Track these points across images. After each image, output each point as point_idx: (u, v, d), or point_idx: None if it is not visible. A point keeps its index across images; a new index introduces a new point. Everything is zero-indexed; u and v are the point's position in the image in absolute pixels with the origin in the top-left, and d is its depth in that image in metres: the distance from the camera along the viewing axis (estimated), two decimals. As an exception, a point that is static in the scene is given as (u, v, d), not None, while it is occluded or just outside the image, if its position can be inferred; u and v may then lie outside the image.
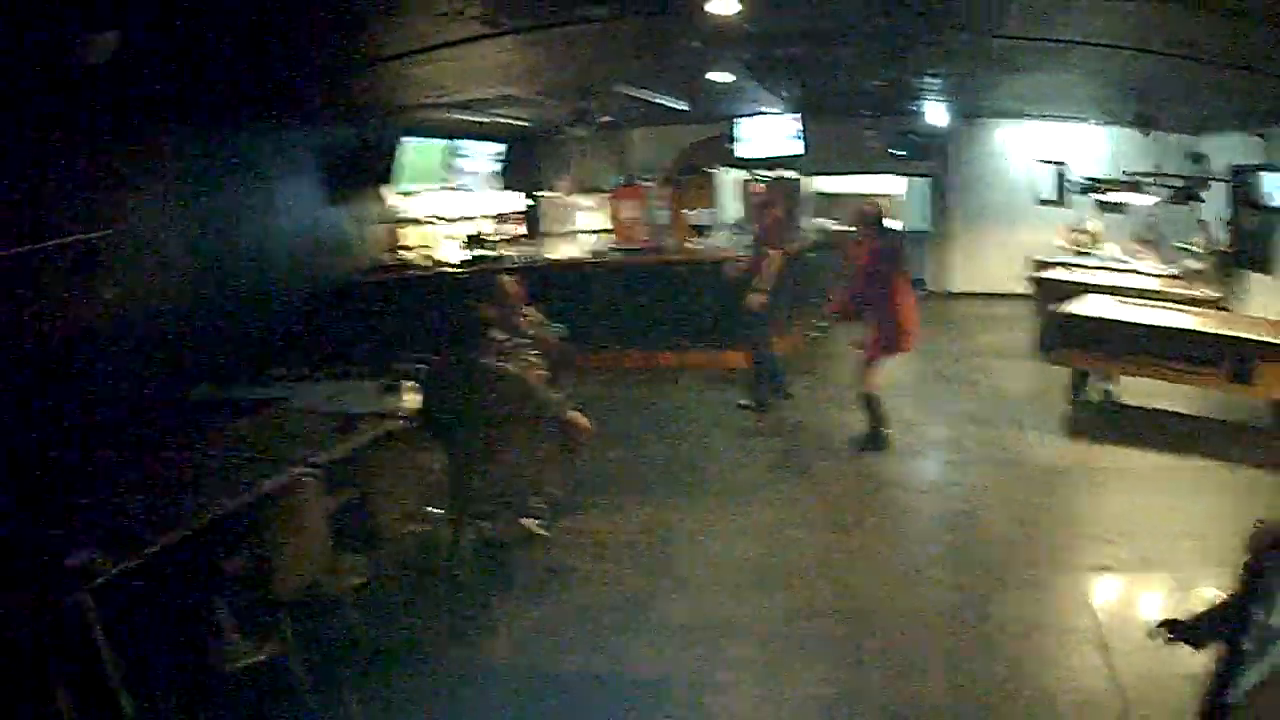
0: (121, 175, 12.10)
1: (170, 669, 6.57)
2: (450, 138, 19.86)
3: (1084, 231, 22.79)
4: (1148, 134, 18.14)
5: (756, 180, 14.60)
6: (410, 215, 19.71)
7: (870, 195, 25.78)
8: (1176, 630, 4.38)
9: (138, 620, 6.04)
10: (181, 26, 9.02)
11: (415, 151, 18.64)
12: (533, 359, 9.97)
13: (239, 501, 6.60)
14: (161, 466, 7.46)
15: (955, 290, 23.92)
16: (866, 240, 12.04)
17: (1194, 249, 20.52)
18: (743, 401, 14.54)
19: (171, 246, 13.04)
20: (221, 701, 6.74)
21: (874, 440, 12.22)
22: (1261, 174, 17.82)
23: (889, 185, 28.06)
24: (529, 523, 9.54)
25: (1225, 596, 4.11)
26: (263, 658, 6.88)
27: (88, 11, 7.89)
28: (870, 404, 12.21)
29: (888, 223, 12.17)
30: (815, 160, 24.37)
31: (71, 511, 6.61)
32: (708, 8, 10.36)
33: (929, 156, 25.36)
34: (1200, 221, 20.27)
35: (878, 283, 11.88)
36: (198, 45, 9.88)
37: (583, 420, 10.05)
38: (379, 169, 18.10)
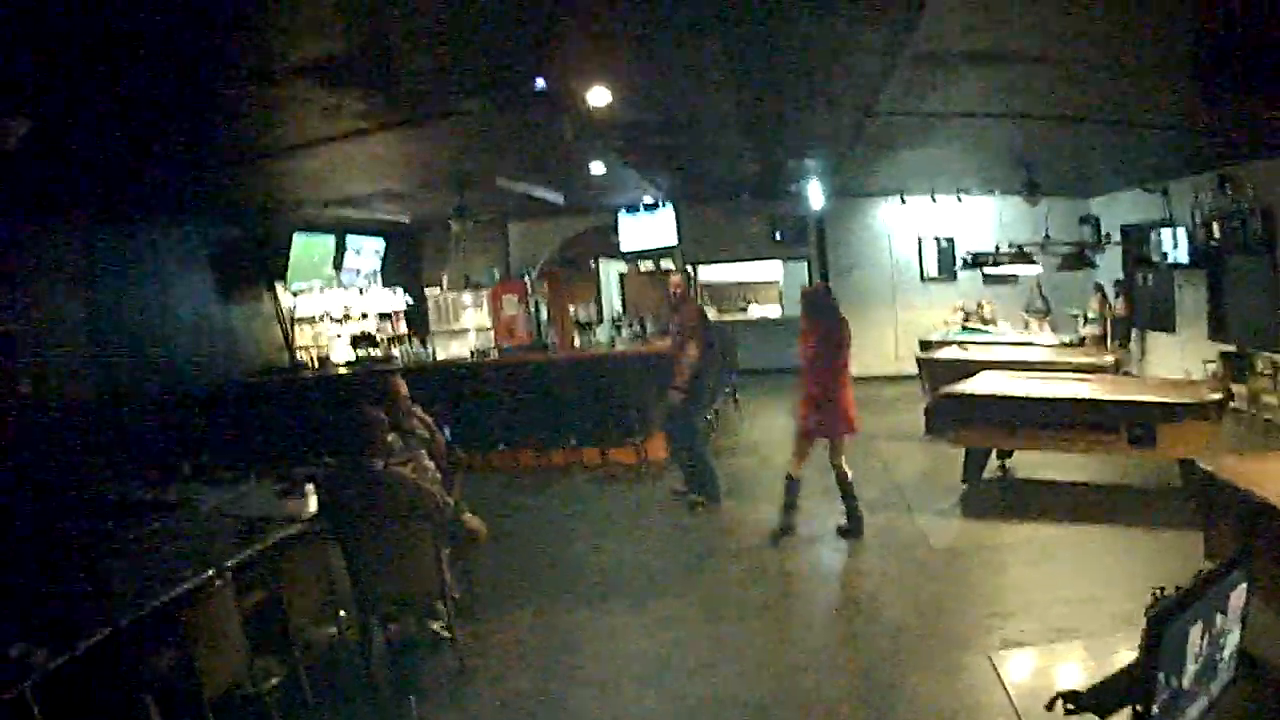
0: (25, 266, 12.10)
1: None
2: (336, 233, 19.80)
3: (973, 311, 22.96)
4: (1036, 202, 18.35)
5: (672, 272, 14.50)
6: (300, 314, 19.65)
7: (752, 282, 26.13)
8: (1079, 701, 4.38)
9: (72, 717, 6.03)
10: (74, 118, 9.06)
11: (305, 248, 18.67)
12: (424, 461, 10.01)
13: (162, 600, 6.58)
14: (85, 564, 7.43)
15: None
16: (814, 323, 11.96)
17: (1088, 315, 20.79)
18: (694, 497, 14.26)
19: (75, 341, 13.08)
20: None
21: (785, 526, 12.22)
22: (1156, 231, 18.13)
23: (767, 271, 28.28)
24: (434, 624, 9.48)
25: (1128, 664, 4.19)
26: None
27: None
28: (791, 488, 12.25)
29: (832, 303, 12.10)
30: (692, 249, 24.54)
31: None
32: (583, 99, 10.51)
33: (806, 240, 25.58)
34: (1096, 285, 20.55)
35: (830, 364, 11.87)
36: (92, 135, 9.92)
37: (477, 522, 10.12)
38: (272, 266, 18.18)
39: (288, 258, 18.41)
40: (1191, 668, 4.03)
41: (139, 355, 14.65)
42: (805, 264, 26.33)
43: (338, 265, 20.34)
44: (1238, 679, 4.56)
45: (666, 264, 26.05)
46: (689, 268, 25.39)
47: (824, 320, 11.87)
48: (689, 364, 13.69)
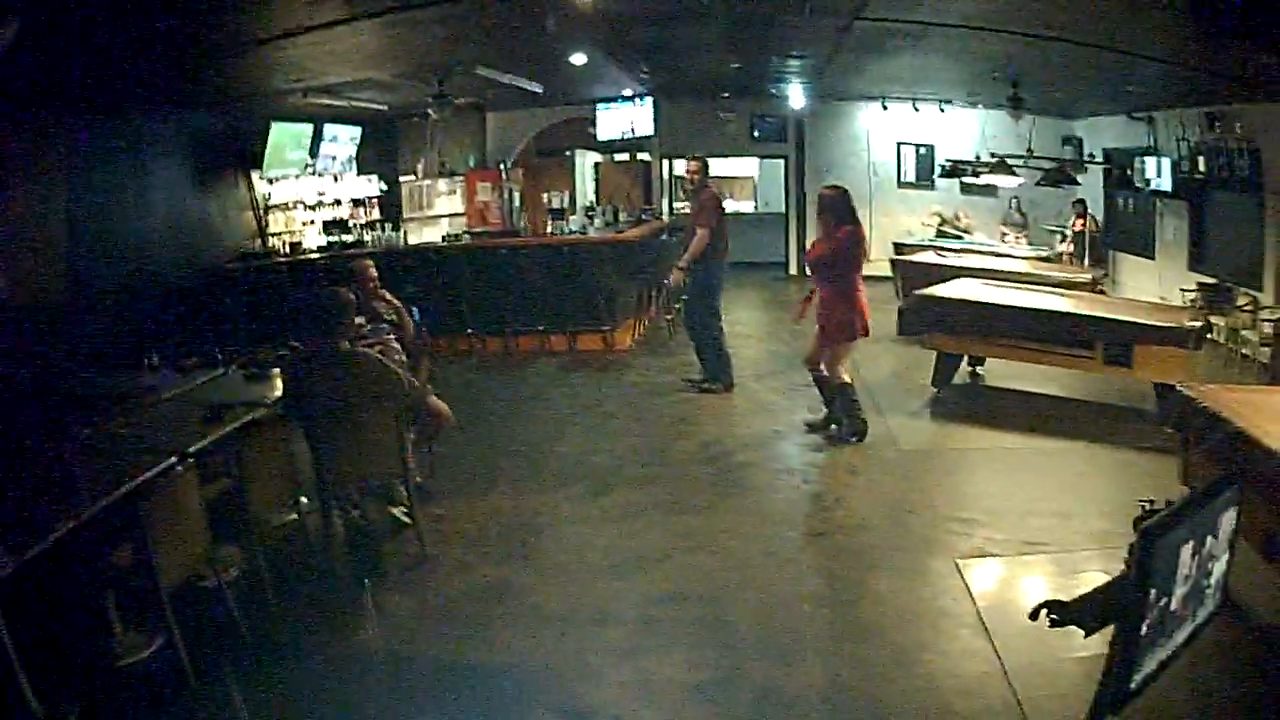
0: (6, 163, 11.96)
1: (66, 664, 6.48)
2: (314, 121, 19.62)
3: (950, 218, 22.95)
4: (1018, 118, 18.24)
5: (690, 157, 14.33)
6: (274, 201, 19.53)
7: (728, 177, 26.11)
8: (1061, 614, 4.23)
9: (35, 615, 5.94)
10: (57, 15, 8.91)
11: (281, 136, 18.54)
12: (392, 344, 9.91)
13: (121, 492, 6.43)
14: (45, 459, 7.31)
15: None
16: (840, 226, 11.62)
17: (1065, 231, 20.74)
18: (707, 384, 14.38)
19: (53, 235, 12.94)
20: (115, 692, 6.68)
21: (859, 430, 11.89)
22: (1139, 157, 18.05)
23: (743, 167, 28.23)
24: (395, 510, 9.45)
25: (1111, 578, 4.08)
26: (150, 652, 6.84)
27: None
28: (847, 391, 11.92)
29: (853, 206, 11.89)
30: (669, 143, 24.41)
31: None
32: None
33: (785, 139, 25.49)
34: (1077, 202, 20.49)
35: (850, 267, 11.66)
36: (77, 32, 9.76)
37: (443, 407, 10.08)
38: (248, 154, 18.05)
39: (264, 146, 18.27)
40: (1180, 590, 3.93)
41: (114, 247, 14.51)
42: (782, 162, 26.40)
43: (313, 153, 20.16)
44: (1221, 610, 4.47)
45: (643, 155, 26.08)
46: (664, 160, 25.49)
47: (849, 223, 11.65)
48: (696, 246, 13.63)
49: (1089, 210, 20.75)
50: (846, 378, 11.93)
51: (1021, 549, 8.56)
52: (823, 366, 11.97)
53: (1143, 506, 4.44)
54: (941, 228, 22.96)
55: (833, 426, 12.08)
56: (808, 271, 12.79)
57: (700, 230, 13.66)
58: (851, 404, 11.90)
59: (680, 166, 26.05)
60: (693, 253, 13.64)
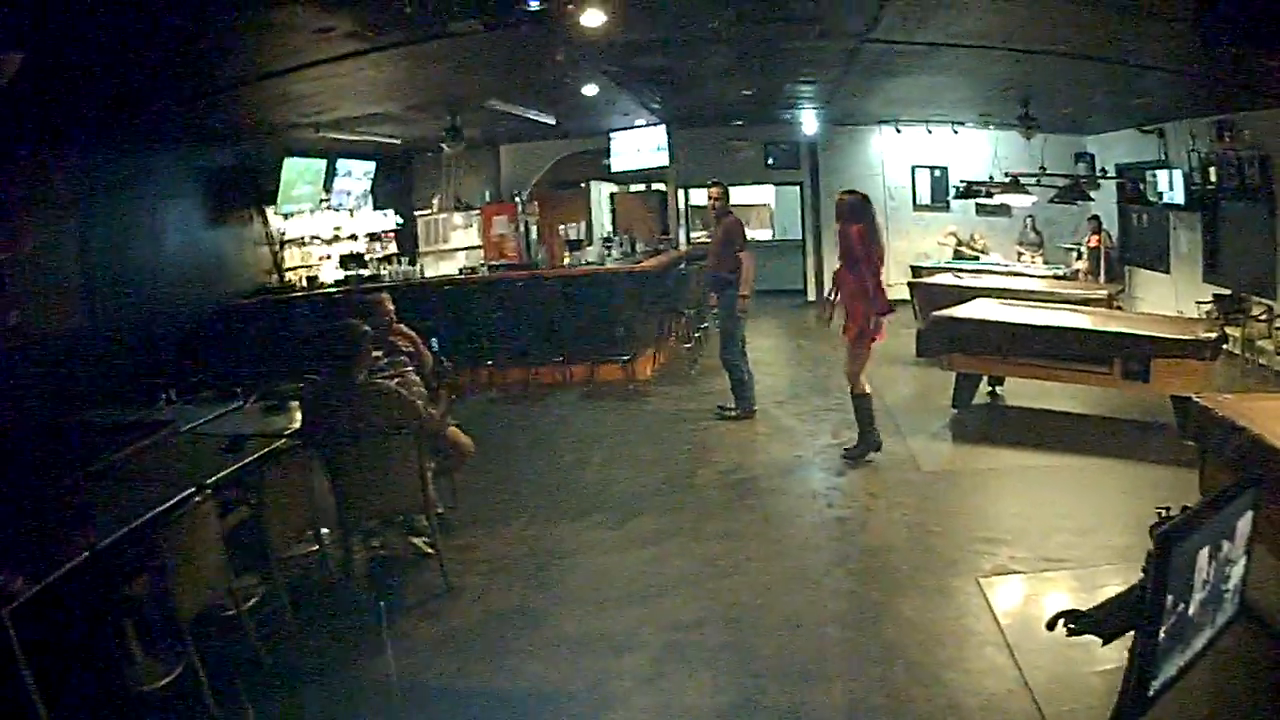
0: (17, 197, 12.01)
1: (84, 691, 6.49)
2: (327, 157, 19.63)
3: (966, 240, 22.97)
4: (1030, 137, 18.24)
5: (711, 184, 14.39)
6: (290, 236, 19.49)
7: (745, 204, 26.06)
8: (1079, 622, 4.21)
9: (51, 643, 5.96)
10: (69, 50, 8.95)
11: (295, 171, 18.52)
12: (410, 376, 9.91)
13: (139, 523, 6.45)
14: (63, 490, 7.32)
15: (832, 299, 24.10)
16: (859, 228, 11.62)
17: (1081, 249, 20.72)
18: (730, 410, 14.40)
19: (65, 270, 13.00)
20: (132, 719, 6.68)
21: (876, 443, 12.01)
22: (1151, 171, 18.04)
23: (759, 195, 28.24)
24: (417, 540, 9.49)
25: (1133, 585, 4.06)
26: (170, 679, 6.84)
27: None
28: (864, 403, 11.95)
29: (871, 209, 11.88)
30: (684, 172, 24.48)
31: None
32: (576, 20, 10.38)
33: (799, 165, 25.52)
34: (1093, 218, 20.46)
35: (871, 269, 11.64)
36: (85, 66, 9.80)
37: (463, 437, 10.11)
38: (261, 190, 18.04)
39: (278, 181, 18.23)
40: (1198, 595, 3.92)
41: (129, 281, 14.50)
42: (798, 189, 26.38)
43: (328, 188, 20.14)
44: (1240, 616, 4.46)
45: (658, 185, 26.05)
46: (680, 190, 25.49)
47: (868, 225, 11.66)
48: (749, 271, 13.80)
49: (1104, 226, 20.70)
50: (867, 389, 11.95)
51: (1043, 566, 8.54)
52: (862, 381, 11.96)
53: (1159, 513, 4.42)
54: (958, 248, 22.98)
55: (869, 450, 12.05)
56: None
57: (745, 257, 13.83)
58: (868, 417, 11.93)
59: (696, 196, 26.13)
60: (747, 279, 13.78)
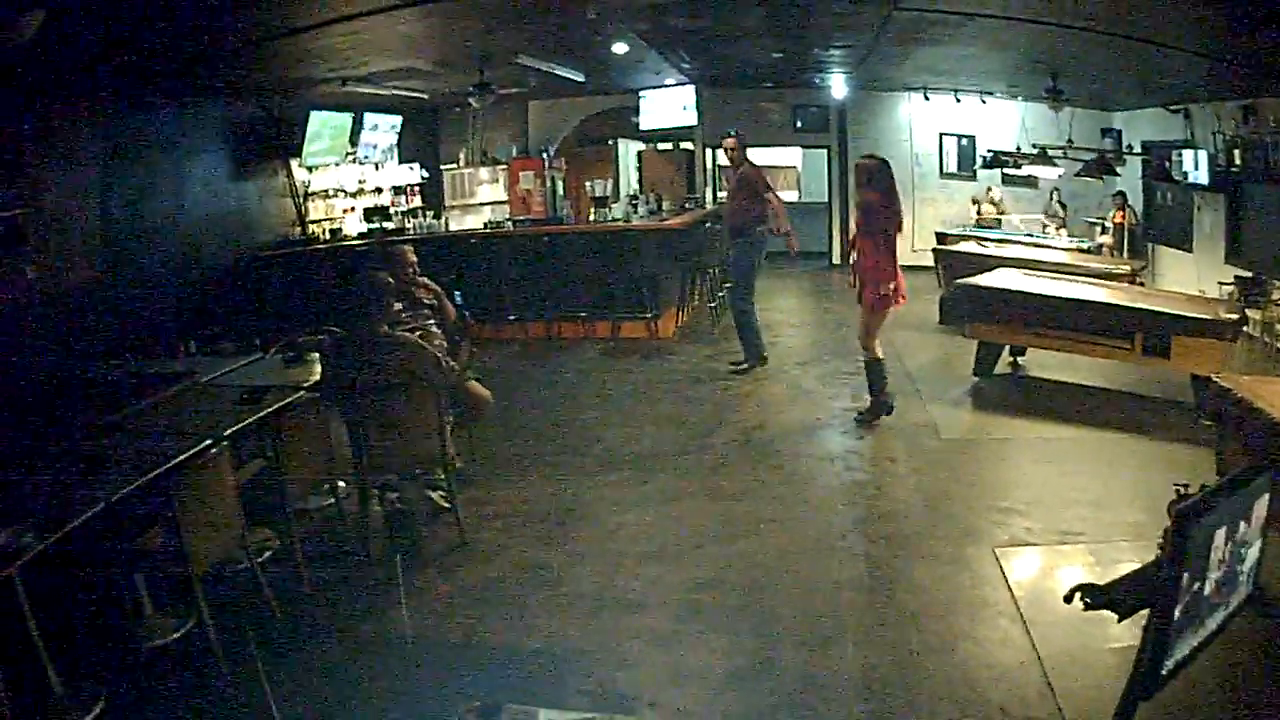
0: (38, 152, 12.01)
1: (95, 644, 6.52)
2: (354, 111, 19.63)
3: (988, 202, 22.92)
4: (1058, 110, 18.18)
5: (725, 134, 14.40)
6: (314, 189, 19.51)
7: (772, 166, 25.99)
8: (1095, 596, 4.21)
9: (62, 597, 5.98)
10: (91, 5, 8.94)
11: (322, 125, 18.54)
12: (431, 328, 9.94)
13: (153, 476, 6.43)
14: (76, 443, 7.33)
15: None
16: (871, 194, 11.68)
17: (1106, 223, 20.65)
18: (742, 363, 14.59)
19: (86, 223, 12.98)
20: (143, 675, 6.68)
21: (887, 407, 12.05)
22: (1177, 150, 17.94)
23: (787, 156, 28.17)
24: (434, 494, 9.50)
25: (1149, 562, 4.05)
26: (180, 634, 6.87)
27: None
28: (877, 368, 11.99)
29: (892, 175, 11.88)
30: (712, 132, 24.36)
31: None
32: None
33: (827, 129, 25.49)
34: (1118, 194, 20.38)
35: (890, 235, 11.69)
36: (108, 22, 9.79)
37: (483, 391, 10.13)
38: (287, 143, 18.04)
39: (304, 135, 18.24)
40: (1214, 574, 3.91)
41: (150, 234, 14.56)
42: (825, 152, 26.34)
43: (354, 141, 20.16)
44: (1253, 598, 4.45)
45: (686, 145, 26.10)
46: (706, 150, 25.55)
47: (887, 192, 11.67)
48: (782, 217, 14.10)
49: (1129, 203, 20.63)
50: (878, 352, 11.97)
51: (1059, 539, 8.52)
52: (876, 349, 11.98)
53: (1177, 491, 4.41)
54: (982, 216, 22.95)
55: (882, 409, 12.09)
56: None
57: (773, 198, 13.99)
58: (880, 381, 11.97)
59: (723, 156, 26.16)
60: (782, 223, 14.02)
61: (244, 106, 17.17)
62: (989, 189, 23.34)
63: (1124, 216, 20.34)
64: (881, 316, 11.89)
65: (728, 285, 14.96)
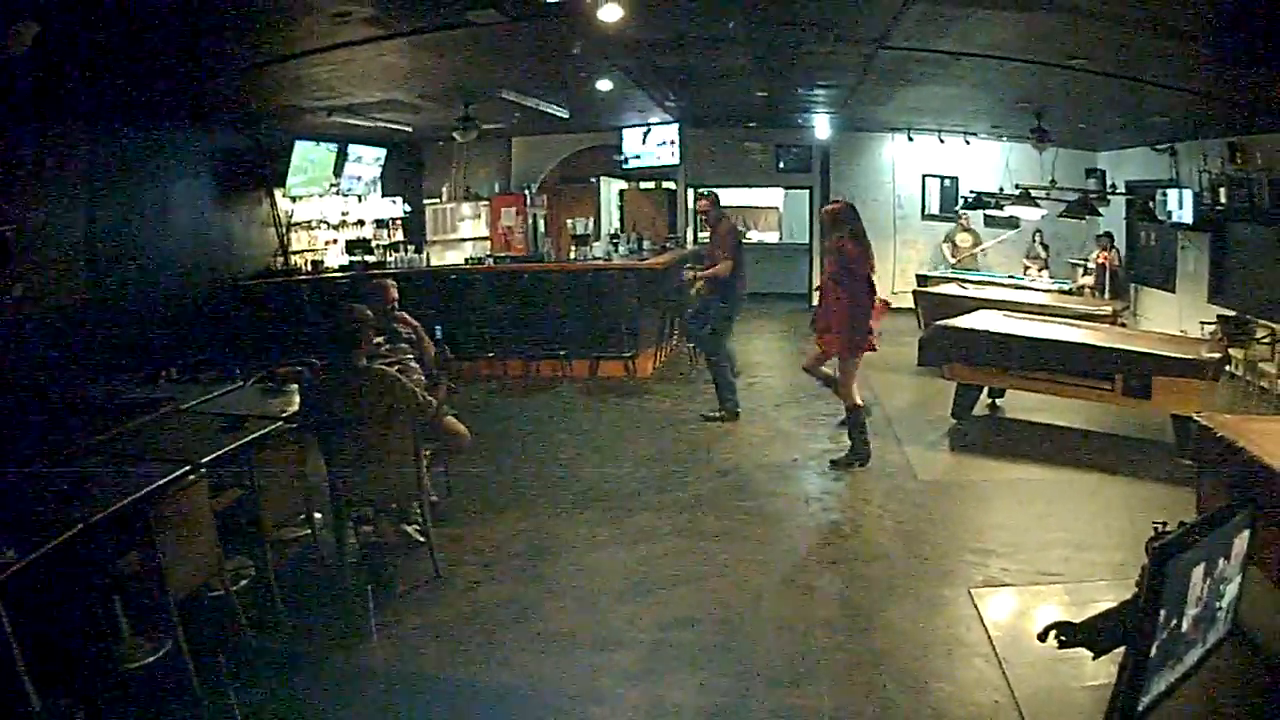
0: (26, 171, 12.07)
1: (71, 666, 6.49)
2: (339, 142, 19.67)
3: (963, 230, 23.01)
4: (1042, 150, 18.24)
5: (700, 195, 14.45)
6: (297, 219, 19.59)
7: (754, 206, 26.13)
8: (1069, 634, 4.20)
9: (41, 617, 5.96)
10: (83, 24, 8.95)
11: (306, 155, 18.59)
12: (410, 363, 9.95)
13: (132, 499, 6.45)
14: (59, 464, 7.31)
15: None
16: (842, 240, 11.73)
17: (1088, 264, 20.72)
18: (713, 414, 14.39)
19: (72, 244, 13.11)
20: (120, 696, 6.67)
21: (863, 454, 11.94)
22: (1161, 190, 18.00)
23: (769, 197, 28.25)
24: (409, 528, 9.46)
25: (1126, 599, 4.04)
26: (156, 658, 6.86)
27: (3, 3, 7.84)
28: (856, 415, 11.93)
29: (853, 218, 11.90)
30: (695, 171, 24.47)
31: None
32: (595, 15, 10.36)
33: (810, 169, 25.50)
34: (1104, 235, 20.45)
35: (862, 281, 11.69)
36: (98, 45, 9.81)
37: (460, 427, 10.09)
38: (271, 173, 18.10)
39: (288, 165, 18.31)
40: (1192, 611, 3.90)
41: (135, 259, 14.61)
42: (807, 193, 26.36)
43: (338, 173, 20.23)
44: (1233, 635, 4.43)
45: (668, 184, 26.14)
46: (689, 189, 25.41)
47: (858, 235, 11.75)
48: (721, 269, 13.78)
49: (1114, 244, 20.67)
50: (858, 400, 11.94)
51: (1036, 579, 8.53)
52: (824, 370, 12.17)
53: (1155, 528, 4.40)
54: (959, 255, 23.02)
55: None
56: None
57: (726, 260, 13.76)
58: (859, 429, 11.92)
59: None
60: (716, 271, 13.77)
61: (229, 135, 17.23)
62: (964, 216, 23.35)
63: (1108, 257, 20.35)
64: (857, 363, 11.90)
65: (695, 336, 14.89)
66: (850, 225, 11.77)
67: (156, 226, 15.25)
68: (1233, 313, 16.23)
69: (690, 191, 25.51)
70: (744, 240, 14.55)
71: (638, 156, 24.17)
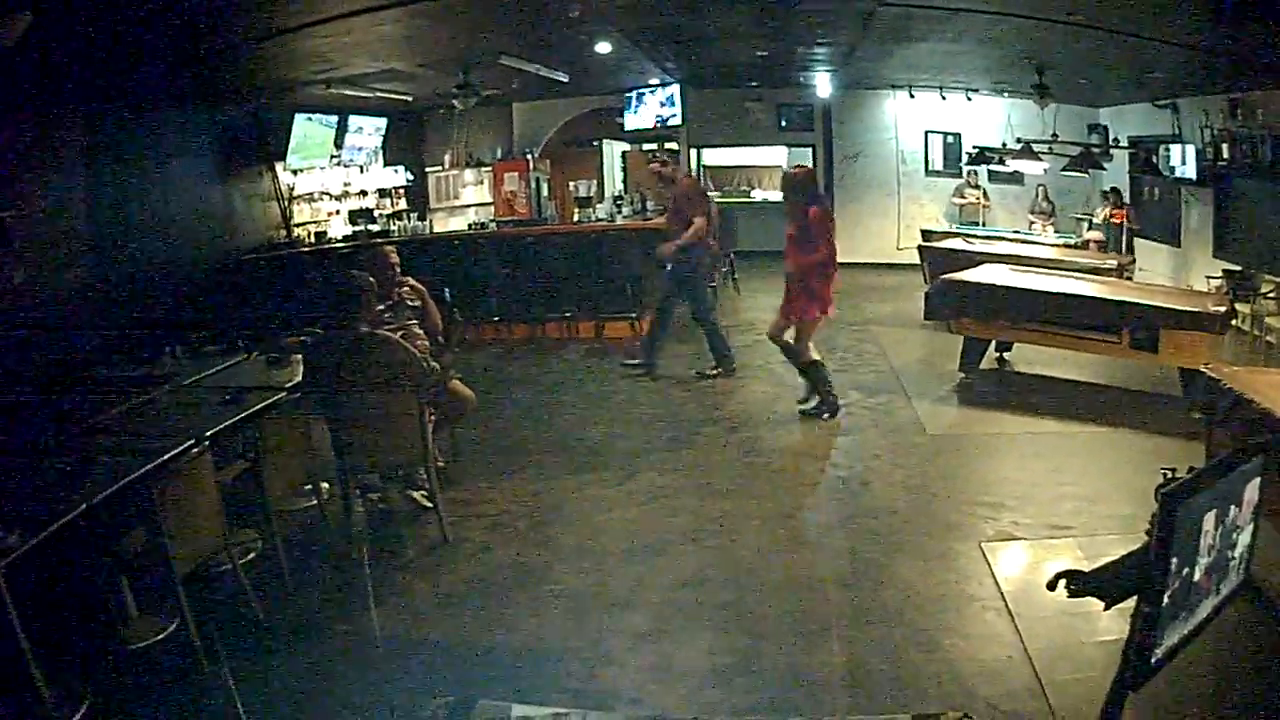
0: (25, 155, 12.02)
1: (78, 646, 6.48)
2: (339, 114, 19.65)
3: (972, 194, 22.93)
4: (1044, 106, 18.15)
5: (654, 156, 14.41)
6: (300, 191, 19.55)
7: (756, 165, 26.08)
8: (1080, 582, 4.12)
9: (47, 598, 5.93)
10: (77, 8, 8.91)
11: (306, 128, 18.57)
12: (415, 329, 9.88)
13: (135, 476, 6.39)
14: (62, 444, 7.28)
15: (841, 260, 23.85)
16: (800, 205, 11.72)
17: (1094, 219, 20.63)
18: (629, 361, 14.62)
19: (72, 226, 13.06)
20: (128, 676, 6.65)
21: (831, 407, 12.08)
22: (1164, 145, 17.94)
23: (771, 156, 28.14)
24: (416, 494, 9.47)
25: (1137, 548, 3.98)
26: (163, 635, 6.86)
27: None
28: (817, 369, 12.08)
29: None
30: (697, 132, 24.43)
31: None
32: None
33: (812, 127, 25.42)
34: (1111, 190, 20.34)
35: (823, 246, 11.69)
36: (94, 25, 9.76)
37: (466, 390, 10.13)
38: (272, 146, 18.08)
39: (289, 138, 18.30)
40: (1204, 560, 3.84)
41: (136, 237, 14.56)
42: (810, 151, 26.20)
43: (339, 144, 20.20)
44: (1244, 587, 4.38)
45: (671, 145, 25.95)
46: (692, 150, 25.53)
47: (816, 203, 11.77)
48: (694, 234, 13.69)
49: (1125, 201, 20.55)
50: (815, 355, 12.06)
51: (1047, 533, 8.52)
52: (787, 337, 12.06)
53: (1165, 474, 4.34)
54: (965, 210, 22.97)
55: (811, 402, 12.21)
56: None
57: (698, 219, 13.69)
58: (823, 381, 12.05)
59: (709, 156, 26.07)
60: (696, 232, 13.68)
61: (229, 110, 17.20)
62: (971, 173, 23.28)
63: (1123, 215, 20.20)
64: (814, 325, 11.99)
65: (667, 299, 14.78)
66: (811, 190, 11.87)
67: (158, 205, 15.22)
68: (1238, 267, 16.17)
69: (694, 152, 25.53)
70: (725, 196, 14.43)
71: (638, 116, 24.18)
